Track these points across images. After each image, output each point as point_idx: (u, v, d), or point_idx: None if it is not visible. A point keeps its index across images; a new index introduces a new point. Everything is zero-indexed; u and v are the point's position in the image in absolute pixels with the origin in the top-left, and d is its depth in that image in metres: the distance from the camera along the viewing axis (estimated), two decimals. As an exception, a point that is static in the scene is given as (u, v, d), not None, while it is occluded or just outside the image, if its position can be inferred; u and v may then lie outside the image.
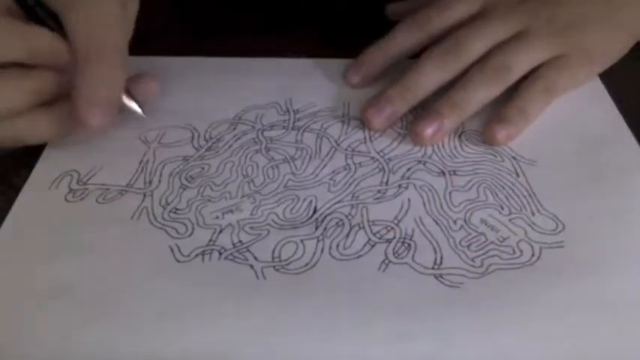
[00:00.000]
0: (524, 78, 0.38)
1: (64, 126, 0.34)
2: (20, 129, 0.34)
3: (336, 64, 0.43)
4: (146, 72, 0.38)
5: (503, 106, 0.37)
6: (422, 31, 0.40)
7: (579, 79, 0.40)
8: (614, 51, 0.40)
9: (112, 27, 0.33)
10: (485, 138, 0.37)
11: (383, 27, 0.44)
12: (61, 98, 0.34)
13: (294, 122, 0.39)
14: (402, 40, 0.40)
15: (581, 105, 0.39)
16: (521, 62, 0.37)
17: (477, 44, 0.38)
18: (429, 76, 0.38)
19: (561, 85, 0.38)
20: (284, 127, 0.38)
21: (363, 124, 0.39)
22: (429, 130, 0.36)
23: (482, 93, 0.37)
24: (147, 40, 0.35)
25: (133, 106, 0.36)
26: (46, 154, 0.37)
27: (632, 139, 0.37)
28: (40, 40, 0.32)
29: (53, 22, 0.33)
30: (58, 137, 0.35)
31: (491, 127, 0.37)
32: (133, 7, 0.36)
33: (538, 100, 0.38)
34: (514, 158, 0.36)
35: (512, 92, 0.38)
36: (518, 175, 0.35)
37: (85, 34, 0.33)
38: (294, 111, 0.40)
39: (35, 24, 0.33)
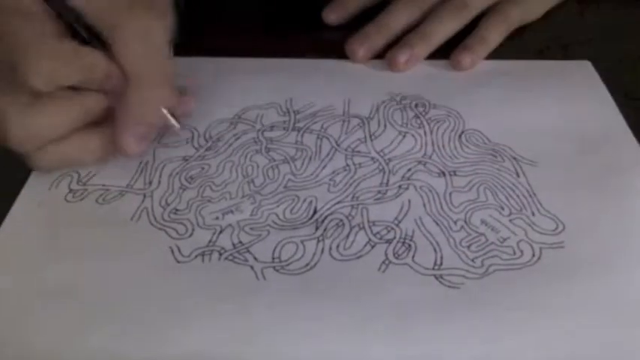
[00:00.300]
0: (483, 13, 0.44)
1: (109, 149, 0.34)
2: (69, 152, 0.34)
3: (336, 64, 0.43)
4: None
5: (467, 37, 0.43)
6: (421, 4, 0.45)
7: (531, 12, 0.46)
8: None
9: (161, 49, 0.33)
10: (452, 65, 0.43)
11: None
12: (106, 121, 0.34)
13: (294, 123, 0.39)
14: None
15: (581, 105, 0.39)
16: (476, 1, 0.44)
17: None
18: (401, 14, 0.44)
19: (515, 17, 0.45)
20: (284, 128, 0.38)
21: (364, 123, 0.39)
22: (402, 57, 0.42)
23: (446, 26, 0.43)
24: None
25: (174, 122, 0.36)
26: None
27: (633, 139, 0.37)
28: (93, 63, 0.32)
29: (97, 43, 0.32)
30: (104, 159, 0.35)
31: (457, 54, 0.42)
32: (171, 20, 0.35)
33: (497, 30, 0.44)
34: (514, 158, 0.36)
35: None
36: (518, 176, 0.35)
37: (135, 57, 0.32)
38: (294, 112, 0.40)
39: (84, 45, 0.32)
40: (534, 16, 0.46)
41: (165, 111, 0.35)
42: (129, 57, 0.32)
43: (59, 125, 0.33)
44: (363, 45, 0.43)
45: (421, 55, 0.43)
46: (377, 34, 0.43)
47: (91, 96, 0.33)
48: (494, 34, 0.43)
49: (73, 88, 0.32)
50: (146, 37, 0.33)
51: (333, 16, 0.46)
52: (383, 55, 0.43)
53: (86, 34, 0.33)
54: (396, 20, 0.44)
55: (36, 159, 0.33)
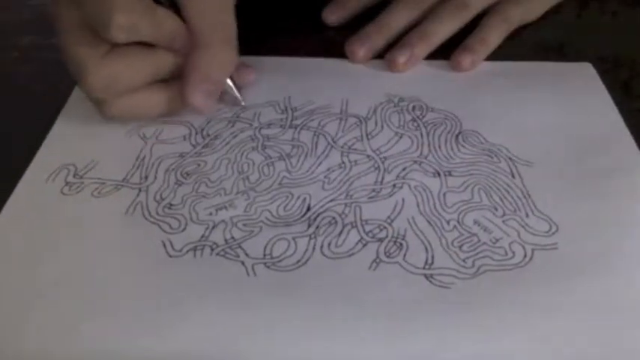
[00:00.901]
0: (485, 13, 0.44)
1: (172, 106, 0.37)
2: (139, 103, 0.36)
3: (335, 63, 0.43)
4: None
5: (468, 37, 0.43)
6: (422, 4, 0.44)
7: (532, 12, 0.46)
8: None
9: (227, 11, 0.36)
10: (452, 65, 0.42)
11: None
12: (174, 79, 0.37)
13: (291, 121, 0.39)
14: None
15: (581, 107, 0.39)
16: (476, 1, 0.44)
17: None
18: (401, 14, 0.44)
19: (515, 17, 0.45)
20: (281, 126, 0.38)
21: (361, 121, 0.39)
22: (401, 58, 0.42)
23: (446, 26, 0.43)
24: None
25: (236, 92, 0.39)
26: (44, 146, 0.37)
27: (632, 143, 0.37)
28: (167, 23, 0.34)
29: (168, 5, 0.35)
30: (171, 114, 0.38)
31: (457, 55, 0.42)
32: None
33: (497, 30, 0.43)
34: (510, 159, 0.36)
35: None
36: (513, 176, 0.35)
37: (204, 17, 0.35)
38: (292, 109, 0.40)
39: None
40: (534, 16, 0.46)
41: (229, 81, 0.38)
42: (198, 18, 0.35)
43: (132, 76, 0.35)
44: (364, 45, 0.43)
45: (421, 55, 0.43)
46: (377, 34, 0.43)
47: (162, 53, 0.36)
48: (495, 34, 0.43)
49: (147, 46, 0.35)
50: (214, 0, 0.35)
51: (332, 16, 0.46)
52: (382, 55, 0.43)
53: None
54: (397, 20, 0.44)
55: (107, 107, 0.36)
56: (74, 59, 0.34)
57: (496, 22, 0.44)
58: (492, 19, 0.44)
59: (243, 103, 0.40)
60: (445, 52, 0.43)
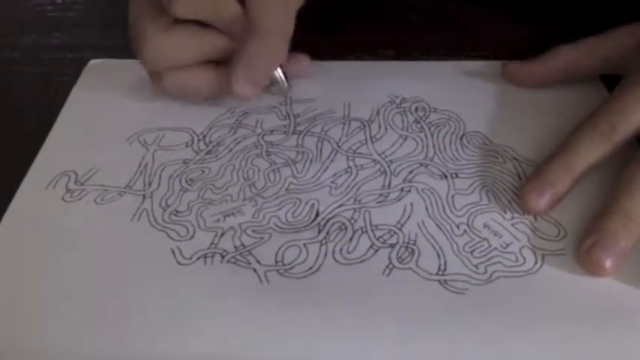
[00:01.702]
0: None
1: (218, 88, 0.38)
2: (190, 79, 0.37)
3: (336, 66, 0.43)
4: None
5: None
6: (607, 142, 0.33)
7: None
8: None
9: (288, 8, 0.36)
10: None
11: (382, 28, 0.45)
12: (224, 62, 0.37)
13: (294, 127, 0.38)
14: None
15: (581, 105, 0.39)
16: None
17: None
18: (585, 156, 0.33)
19: None
20: (284, 132, 0.38)
21: (364, 125, 0.38)
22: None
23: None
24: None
25: (283, 81, 0.39)
26: (42, 153, 0.37)
27: (634, 142, 0.37)
28: (228, 6, 0.35)
29: None
30: (219, 95, 0.39)
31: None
32: None
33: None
34: (515, 159, 0.36)
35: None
36: (520, 178, 0.35)
37: (264, 8, 0.35)
38: (294, 115, 0.39)
39: None
40: None
41: (279, 70, 0.39)
42: (258, 7, 0.35)
43: (187, 52, 0.36)
44: (544, 196, 0.33)
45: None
46: (561, 183, 0.33)
47: (219, 34, 0.36)
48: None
49: (205, 26, 0.36)
50: None
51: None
52: (383, 57, 0.43)
53: None
54: (582, 163, 0.33)
55: (161, 79, 0.37)
56: (136, 29, 0.36)
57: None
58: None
59: (289, 95, 0.40)
60: (444, 53, 0.43)
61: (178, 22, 0.35)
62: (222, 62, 0.37)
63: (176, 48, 0.36)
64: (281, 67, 0.39)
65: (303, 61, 0.41)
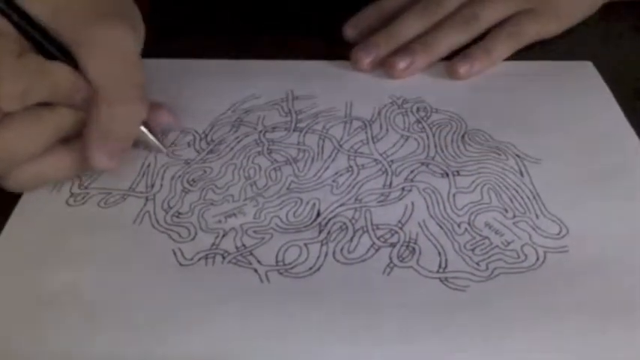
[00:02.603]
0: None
1: (83, 165, 0.33)
2: (44, 170, 0.33)
3: (338, 65, 0.43)
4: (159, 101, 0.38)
5: (471, 46, 0.42)
6: (431, 15, 0.43)
7: (548, 30, 0.44)
8: (580, 9, 0.45)
9: (131, 62, 0.32)
10: (449, 72, 0.41)
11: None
12: (77, 136, 0.33)
13: (296, 124, 0.39)
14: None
15: (583, 105, 0.39)
16: (487, 14, 0.42)
17: (451, 1, 0.43)
18: (410, 25, 0.43)
19: (528, 33, 0.43)
20: (286, 129, 0.38)
21: (365, 124, 0.38)
22: (401, 64, 0.41)
23: (452, 37, 0.42)
24: (149, 42, 0.35)
25: (154, 141, 0.36)
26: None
27: (636, 140, 0.37)
28: (61, 77, 0.31)
29: (63, 57, 0.31)
30: (80, 174, 0.35)
31: (455, 62, 0.41)
32: (142, 32, 0.35)
33: (503, 43, 0.42)
34: (518, 156, 0.36)
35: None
36: (522, 175, 0.35)
37: (104, 70, 0.31)
38: (295, 112, 0.39)
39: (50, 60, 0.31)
40: (552, 34, 0.44)
41: (144, 129, 0.35)
42: (96, 70, 0.31)
43: (31, 143, 0.31)
44: (370, 54, 0.42)
45: (421, 64, 0.41)
46: (385, 44, 0.42)
47: (61, 111, 0.32)
48: (501, 47, 0.42)
49: (43, 104, 0.31)
50: (114, 49, 0.31)
51: (353, 33, 0.45)
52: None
53: (52, 48, 0.31)
54: (406, 30, 0.42)
55: (11, 179, 0.32)
56: None
57: (505, 34, 0.42)
58: (502, 31, 0.42)
59: (164, 150, 0.37)
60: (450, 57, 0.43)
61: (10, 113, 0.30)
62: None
63: (18, 142, 0.31)
64: (146, 125, 0.35)
65: (167, 116, 0.38)
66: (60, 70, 0.31)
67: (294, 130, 0.38)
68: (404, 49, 0.42)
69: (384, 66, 0.42)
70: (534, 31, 0.43)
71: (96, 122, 0.31)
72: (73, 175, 0.34)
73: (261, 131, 0.38)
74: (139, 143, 0.36)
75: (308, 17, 0.47)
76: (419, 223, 0.32)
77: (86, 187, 0.35)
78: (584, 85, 0.41)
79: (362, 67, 0.42)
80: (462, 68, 0.41)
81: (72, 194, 0.34)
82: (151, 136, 0.36)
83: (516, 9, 0.43)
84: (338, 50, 0.43)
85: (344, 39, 0.44)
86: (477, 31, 0.42)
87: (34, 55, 0.30)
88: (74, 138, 0.33)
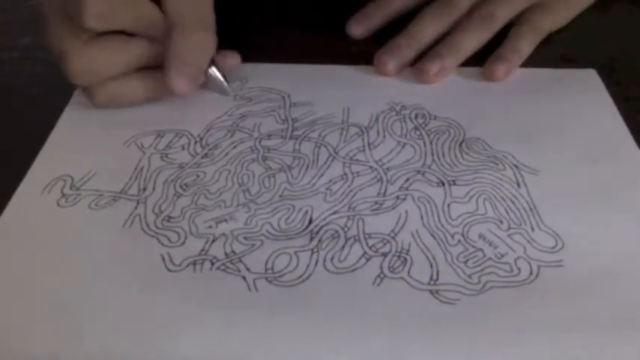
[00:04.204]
0: (512, 25, 0.44)
1: (156, 91, 0.38)
2: (124, 89, 0.38)
3: (336, 70, 0.42)
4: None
5: (499, 47, 0.42)
6: (449, 16, 0.44)
7: (560, 20, 0.45)
8: None
9: (204, 1, 0.37)
10: (486, 75, 0.42)
11: (382, 33, 0.44)
12: (154, 67, 0.37)
13: (292, 131, 0.38)
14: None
15: (585, 115, 0.39)
16: (503, 11, 0.43)
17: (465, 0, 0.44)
18: (430, 26, 0.43)
19: (545, 26, 0.44)
20: (282, 137, 0.38)
21: (362, 131, 0.38)
22: (433, 69, 0.41)
23: (475, 37, 0.43)
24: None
25: (222, 79, 0.40)
26: (40, 157, 0.37)
27: (637, 150, 0.36)
28: (143, 9, 0.35)
29: None
30: (156, 99, 0.39)
31: (491, 64, 0.42)
32: None
33: (528, 39, 0.43)
34: (516, 166, 0.35)
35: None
36: (519, 186, 0.34)
37: (178, 4, 0.36)
38: (292, 119, 0.39)
39: None
40: (563, 23, 0.46)
41: (215, 70, 0.39)
42: (173, 5, 0.35)
43: (111, 64, 0.36)
44: (394, 58, 0.42)
45: (451, 67, 0.42)
46: (407, 47, 0.42)
47: (141, 42, 0.36)
48: (526, 43, 0.43)
49: (126, 35, 0.36)
50: None
51: (358, 29, 0.45)
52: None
53: None
54: (426, 32, 0.43)
55: (94, 93, 0.37)
56: (57, 47, 0.35)
57: (526, 31, 0.43)
58: (522, 29, 0.43)
59: (230, 93, 0.40)
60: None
61: (100, 34, 0.35)
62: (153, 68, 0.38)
63: (101, 61, 0.36)
64: (215, 65, 0.39)
65: (234, 58, 0.41)
66: (143, 3, 0.35)
67: (290, 138, 0.38)
68: (432, 53, 0.42)
69: (416, 71, 0.42)
70: (549, 23, 0.44)
71: (172, 48, 0.36)
72: (145, 99, 0.39)
73: (257, 138, 0.38)
74: (207, 84, 0.40)
75: (309, 18, 0.46)
76: (412, 233, 0.32)
77: (78, 189, 0.35)
78: (586, 93, 0.40)
79: (387, 71, 0.42)
80: (500, 70, 0.41)
81: (63, 195, 0.34)
82: (219, 76, 0.40)
83: (529, 3, 0.44)
84: (338, 51, 0.43)
85: (350, 38, 0.45)
86: (496, 30, 0.43)
87: None
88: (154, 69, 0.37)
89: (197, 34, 0.36)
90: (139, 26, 0.35)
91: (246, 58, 0.43)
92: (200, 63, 0.38)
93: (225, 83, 0.40)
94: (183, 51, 0.36)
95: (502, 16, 0.43)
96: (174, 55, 0.36)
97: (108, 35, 0.35)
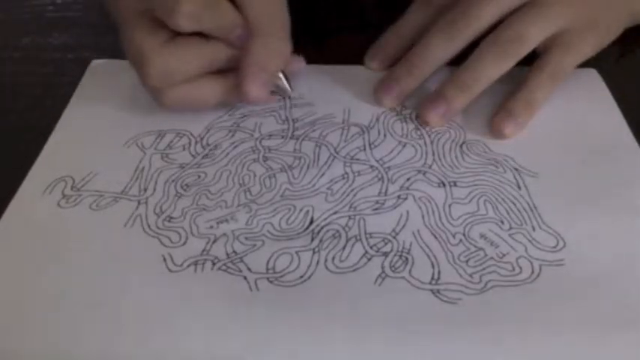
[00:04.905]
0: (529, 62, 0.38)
1: (230, 95, 0.37)
2: (196, 92, 0.37)
3: (337, 70, 0.42)
4: None
5: (509, 98, 0.37)
6: (457, 39, 0.38)
7: (583, 56, 0.39)
8: (617, 25, 0.40)
9: (280, 4, 0.36)
10: (493, 133, 0.37)
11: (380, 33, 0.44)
12: (229, 70, 0.37)
13: (292, 131, 0.38)
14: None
15: (587, 115, 0.39)
16: (536, 33, 0.37)
17: (487, 10, 0.37)
18: (436, 50, 0.38)
19: (567, 68, 0.38)
20: (282, 137, 0.38)
21: (363, 130, 0.38)
22: (434, 116, 0.38)
23: (492, 70, 0.37)
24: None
25: (285, 83, 0.39)
26: (41, 158, 0.36)
27: (638, 149, 0.36)
28: (226, 12, 0.35)
29: None
30: (228, 103, 0.39)
31: (499, 121, 0.37)
32: None
33: (544, 90, 0.37)
34: (516, 169, 0.35)
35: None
36: (519, 188, 0.34)
37: (259, 8, 0.35)
38: (293, 120, 0.39)
39: None
40: (588, 56, 0.39)
41: (282, 75, 0.39)
42: (254, 9, 0.35)
43: (188, 66, 0.35)
44: (390, 92, 0.39)
45: (459, 109, 0.38)
46: (406, 79, 0.39)
47: (218, 44, 0.36)
48: (542, 96, 0.37)
49: (204, 37, 0.35)
50: None
51: (374, 63, 0.42)
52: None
53: None
54: (431, 59, 0.38)
55: (166, 96, 0.36)
56: (134, 47, 0.35)
57: (546, 78, 0.37)
58: (542, 74, 0.37)
59: (291, 94, 0.40)
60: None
61: (176, 35, 0.35)
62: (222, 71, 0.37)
63: (176, 64, 0.35)
64: (283, 71, 0.39)
65: (300, 62, 0.40)
66: (226, 6, 0.35)
67: (290, 138, 0.38)
68: (436, 95, 0.38)
69: (418, 117, 0.38)
70: (570, 65, 0.38)
71: (251, 54, 0.35)
72: (217, 103, 0.38)
73: (257, 138, 0.38)
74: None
75: (310, 19, 0.46)
76: (413, 233, 0.32)
77: (79, 189, 0.35)
78: (587, 93, 0.40)
79: (385, 106, 0.39)
80: (508, 129, 0.37)
81: (64, 196, 0.34)
82: (284, 82, 0.39)
83: (561, 27, 0.37)
84: (338, 52, 0.43)
85: (345, 44, 0.44)
86: (520, 58, 0.37)
87: None
88: (227, 72, 0.37)
89: (276, 41, 0.36)
90: (222, 29, 0.35)
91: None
92: (276, 69, 0.38)
93: (289, 88, 0.39)
94: (264, 58, 0.36)
95: (534, 39, 0.37)
96: (254, 62, 0.35)
97: (185, 37, 0.35)
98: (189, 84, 0.36)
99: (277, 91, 0.40)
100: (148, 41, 0.35)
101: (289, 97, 0.40)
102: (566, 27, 0.37)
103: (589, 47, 0.38)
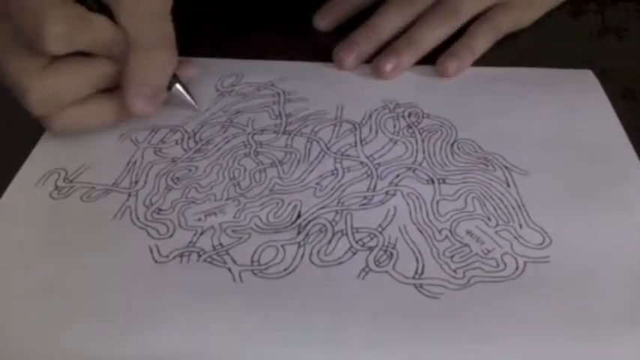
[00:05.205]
0: (473, 20, 0.43)
1: (116, 115, 0.36)
2: (85, 115, 0.35)
3: (330, 67, 0.42)
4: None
5: (454, 43, 0.42)
6: (413, 8, 0.43)
7: (522, 21, 0.45)
8: None
9: (160, 15, 0.35)
10: (439, 71, 0.41)
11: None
12: (118, 87, 0.36)
13: (285, 127, 0.38)
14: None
15: (580, 115, 0.38)
16: (467, 7, 0.43)
17: None
18: (391, 19, 0.43)
19: (505, 26, 0.44)
20: (275, 132, 0.38)
21: (355, 127, 0.38)
22: (388, 66, 0.41)
23: (435, 33, 0.42)
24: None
25: (187, 96, 0.38)
26: (36, 150, 0.37)
27: (632, 152, 0.36)
28: (101, 28, 0.33)
29: (101, 9, 0.34)
30: (119, 123, 0.37)
31: (443, 61, 0.41)
32: None
33: (484, 38, 0.43)
34: (506, 167, 0.35)
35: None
36: (509, 185, 0.34)
37: (138, 21, 0.34)
38: (285, 115, 0.39)
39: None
40: (525, 24, 0.45)
41: (179, 87, 0.38)
42: (130, 21, 0.34)
43: (73, 89, 0.34)
44: (352, 53, 0.42)
45: (408, 63, 0.42)
46: (366, 42, 0.42)
47: (102, 61, 0.35)
48: (481, 41, 0.43)
49: (85, 56, 0.34)
50: (145, 4, 0.34)
51: (323, 22, 0.46)
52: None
53: (92, 2, 0.33)
54: (386, 26, 0.43)
55: (54, 122, 0.35)
56: (11, 76, 0.33)
57: (484, 29, 0.43)
58: (480, 27, 0.43)
59: (197, 107, 0.39)
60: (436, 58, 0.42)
61: (56, 57, 0.33)
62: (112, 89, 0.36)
63: (60, 88, 0.33)
64: (179, 81, 0.38)
65: (191, 68, 0.40)
66: (100, 21, 0.33)
67: (282, 133, 0.38)
68: (389, 49, 0.42)
69: (371, 68, 0.42)
70: (510, 23, 0.44)
71: (131, 69, 0.34)
72: (112, 123, 0.37)
73: (249, 133, 0.38)
74: (173, 100, 0.38)
75: (307, 17, 0.47)
76: (399, 228, 0.32)
77: (71, 181, 0.35)
78: (582, 94, 0.40)
79: (345, 66, 0.42)
80: (451, 66, 0.41)
81: (57, 187, 0.35)
82: (184, 93, 0.38)
83: (492, 2, 0.44)
84: (327, 51, 0.43)
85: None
86: (458, 25, 0.43)
87: (77, 4, 0.32)
88: (115, 89, 0.36)
89: (156, 53, 0.35)
90: (100, 46, 0.34)
91: (242, 55, 0.43)
92: (160, 82, 0.36)
93: (190, 100, 0.39)
94: (142, 71, 0.34)
95: (466, 12, 0.43)
96: (132, 76, 0.34)
97: (65, 58, 0.33)
98: (78, 106, 0.35)
99: (182, 104, 0.39)
100: (24, 68, 0.33)
101: (195, 110, 0.39)
102: (499, 2, 0.44)
103: (524, 16, 0.45)
